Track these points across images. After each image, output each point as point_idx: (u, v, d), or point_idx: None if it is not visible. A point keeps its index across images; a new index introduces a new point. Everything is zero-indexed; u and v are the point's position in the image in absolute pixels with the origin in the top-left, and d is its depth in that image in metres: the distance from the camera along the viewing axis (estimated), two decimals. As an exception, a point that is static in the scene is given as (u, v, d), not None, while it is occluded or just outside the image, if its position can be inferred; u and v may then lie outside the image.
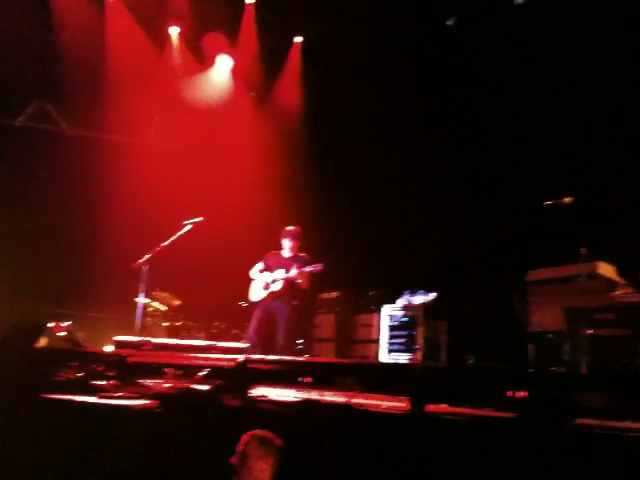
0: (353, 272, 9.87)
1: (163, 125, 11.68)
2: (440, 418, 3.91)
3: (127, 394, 4.89)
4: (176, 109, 11.49)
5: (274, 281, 7.94)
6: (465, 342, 8.14)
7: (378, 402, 4.38)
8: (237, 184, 10.95)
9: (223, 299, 9.91)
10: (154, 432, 4.45)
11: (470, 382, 4.25)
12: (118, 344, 6.57)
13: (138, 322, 7.69)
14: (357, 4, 9.91)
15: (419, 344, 8.33)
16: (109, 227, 10.24)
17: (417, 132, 9.69)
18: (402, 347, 8.54)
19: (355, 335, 9.33)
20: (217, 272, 10.27)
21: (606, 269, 6.39)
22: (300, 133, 11.27)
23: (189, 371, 5.25)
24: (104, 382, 5.27)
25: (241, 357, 5.10)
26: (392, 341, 8.68)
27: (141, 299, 7.77)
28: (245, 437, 3.74)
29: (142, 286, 7.71)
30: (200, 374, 5.06)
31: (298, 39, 11.36)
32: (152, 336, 7.97)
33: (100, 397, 4.84)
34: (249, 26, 10.96)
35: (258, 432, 3.77)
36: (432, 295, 8.61)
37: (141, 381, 5.25)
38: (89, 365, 5.54)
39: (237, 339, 8.78)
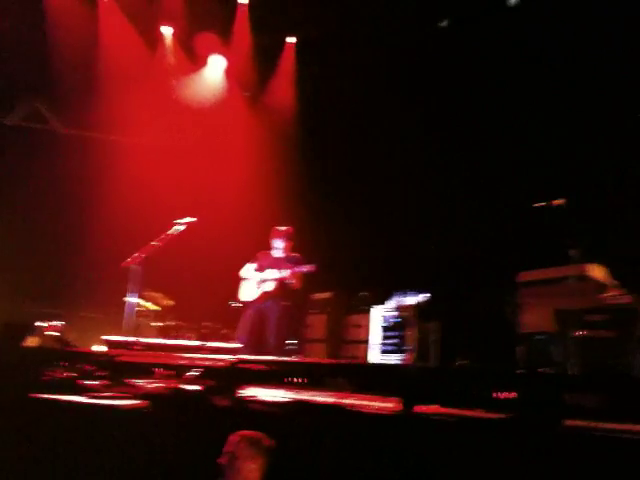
0: (345, 273, 9.87)
1: (156, 125, 11.64)
2: (430, 419, 3.91)
3: (117, 394, 4.87)
4: (169, 109, 11.46)
5: (266, 281, 7.92)
6: (456, 343, 8.15)
7: (369, 403, 4.38)
8: (229, 184, 10.93)
9: (214, 299, 9.89)
10: (143, 432, 4.44)
11: (460, 383, 4.25)
12: (108, 344, 6.54)
13: (128, 322, 7.67)
14: (351, 4, 9.91)
15: (410, 345, 8.33)
16: (100, 226, 10.20)
17: (410, 133, 9.70)
18: (394, 348, 8.54)
19: (347, 336, 9.32)
20: (208, 272, 10.25)
21: (596, 271, 6.40)
22: (293, 133, 11.27)
23: (179, 371, 5.24)
24: (94, 382, 5.24)
25: (231, 357, 5.09)
26: (384, 342, 8.68)
27: (130, 299, 7.74)
28: (234, 437, 3.73)
29: (132, 286, 7.69)
30: (190, 374, 5.05)
31: (291, 39, 11.35)
32: (142, 336, 7.94)
33: (89, 397, 4.82)
34: (242, 26, 10.94)
35: (247, 432, 3.76)
36: (423, 296, 8.61)
37: (131, 381, 5.23)
38: (79, 365, 5.51)
39: (227, 339, 8.76)
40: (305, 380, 4.68)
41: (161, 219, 8.43)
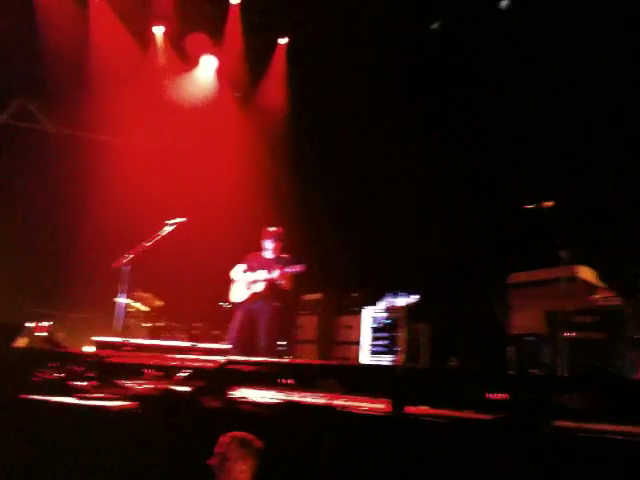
0: (336, 274, 9.88)
1: (147, 125, 11.60)
2: (420, 420, 3.92)
3: (106, 395, 4.86)
4: (160, 109, 11.43)
5: (256, 282, 7.91)
6: (447, 344, 8.17)
7: (359, 404, 4.38)
8: (220, 184, 10.92)
9: (204, 300, 9.88)
10: (133, 433, 4.42)
11: (451, 384, 4.26)
12: (98, 345, 6.52)
13: (118, 322, 7.65)
14: (343, 5, 9.92)
15: (401, 346, 8.34)
16: (91, 227, 10.16)
17: (402, 135, 9.72)
18: (384, 349, 8.55)
19: (337, 337, 9.33)
20: (198, 273, 10.24)
21: (586, 273, 6.43)
22: (284, 134, 11.27)
23: (169, 372, 5.23)
24: (83, 383, 5.22)
25: (222, 358, 5.08)
26: (374, 343, 8.69)
27: (121, 299, 7.72)
28: (225, 438, 3.72)
29: (122, 286, 7.66)
30: (180, 375, 5.04)
31: (283, 40, 11.36)
32: (133, 337, 7.93)
33: (78, 398, 4.80)
34: (234, 27, 10.93)
35: (238, 433, 3.75)
36: (414, 297, 8.62)
37: (121, 382, 5.22)
38: (68, 366, 5.49)
39: (218, 340, 8.75)
40: (295, 381, 4.67)
41: (152, 220, 8.40)
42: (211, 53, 11.54)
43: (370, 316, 8.82)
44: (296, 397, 4.53)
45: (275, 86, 11.51)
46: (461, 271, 8.49)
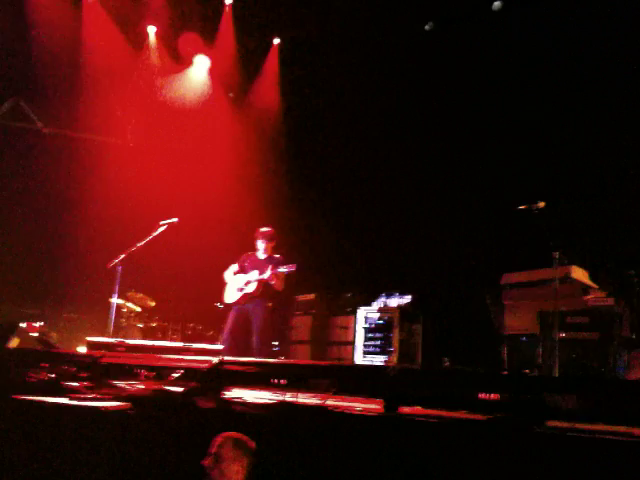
0: (330, 274, 9.89)
1: (139, 125, 11.58)
2: (413, 420, 3.92)
3: (99, 395, 4.84)
4: (153, 109, 11.42)
5: (248, 283, 7.90)
6: (440, 344, 8.20)
7: (352, 404, 4.39)
8: (213, 185, 10.91)
9: (198, 301, 9.87)
10: (126, 434, 4.41)
11: (443, 384, 4.27)
12: (91, 345, 6.49)
13: (112, 323, 7.63)
14: (337, 6, 9.92)
15: (394, 346, 8.36)
16: (83, 227, 10.15)
17: (394, 135, 9.74)
18: (378, 349, 8.57)
19: (331, 337, 9.34)
20: (193, 273, 10.22)
21: (579, 273, 6.46)
22: (277, 134, 11.26)
23: (163, 373, 5.21)
24: (76, 383, 5.21)
25: (215, 359, 5.07)
26: (368, 343, 8.70)
27: (115, 300, 7.71)
28: (219, 439, 3.72)
29: (115, 287, 7.65)
30: (174, 375, 5.03)
31: (276, 40, 11.35)
32: (126, 337, 7.91)
33: (71, 398, 4.79)
34: (227, 27, 10.93)
35: (232, 434, 3.75)
36: (408, 298, 8.64)
37: (114, 382, 5.20)
38: (61, 366, 5.47)
39: (213, 341, 8.74)
40: (289, 381, 4.67)
41: (145, 220, 8.39)
42: (204, 53, 11.53)
43: (364, 316, 8.83)
44: (289, 397, 4.52)
45: (268, 86, 11.51)
46: (454, 272, 8.52)
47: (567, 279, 6.31)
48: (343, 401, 4.43)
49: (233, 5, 10.81)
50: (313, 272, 9.33)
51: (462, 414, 3.93)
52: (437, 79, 9.27)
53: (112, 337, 7.18)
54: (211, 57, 11.58)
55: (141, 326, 9.45)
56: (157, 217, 8.12)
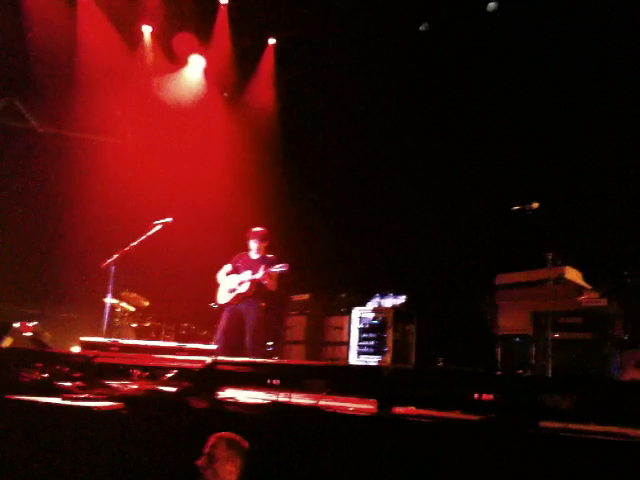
0: (325, 275, 9.89)
1: (134, 124, 11.56)
2: (407, 420, 3.92)
3: (93, 395, 4.83)
4: (148, 108, 11.40)
5: (241, 283, 7.89)
6: (434, 345, 8.20)
7: (346, 404, 4.39)
8: (208, 185, 10.89)
9: (192, 301, 9.85)
10: (120, 434, 4.40)
11: (437, 385, 4.27)
12: (85, 345, 6.47)
13: (106, 323, 7.61)
14: (332, 6, 9.92)
15: (389, 346, 8.36)
16: (77, 226, 10.13)
17: (389, 136, 9.75)
18: (372, 349, 8.58)
19: (326, 337, 9.35)
20: (187, 273, 10.21)
21: (573, 274, 6.48)
22: (272, 134, 11.26)
23: (157, 373, 5.20)
24: (69, 383, 5.19)
25: (209, 359, 5.07)
26: (362, 343, 8.71)
27: (109, 299, 7.69)
28: (212, 439, 3.71)
29: (109, 286, 7.64)
30: (167, 376, 5.02)
31: (272, 40, 11.35)
32: (120, 337, 7.89)
33: (64, 398, 4.77)
34: (222, 26, 10.91)
35: (225, 434, 3.75)
36: (402, 298, 8.65)
37: (107, 382, 5.19)
38: (54, 366, 5.46)
39: (206, 341, 8.73)
40: (282, 382, 4.67)
41: (140, 220, 8.37)
42: (199, 53, 11.51)
43: (358, 317, 8.84)
44: (283, 397, 4.52)
45: (263, 86, 11.51)
46: (448, 272, 8.52)
47: (561, 280, 6.33)
48: (337, 401, 4.44)
49: (228, 5, 10.79)
50: (308, 272, 9.33)
51: (456, 414, 3.94)
52: (432, 79, 9.27)
53: (106, 337, 7.17)
54: (206, 57, 11.57)
55: (135, 326, 9.43)
56: (152, 217, 8.10)
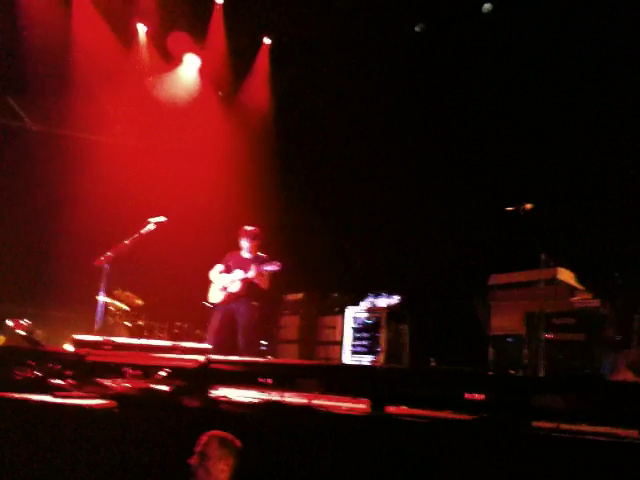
0: (318, 274, 9.89)
1: (129, 123, 11.54)
2: (400, 420, 3.93)
3: (85, 394, 4.82)
4: (142, 107, 11.37)
5: (233, 282, 7.89)
6: (427, 345, 8.22)
7: (339, 404, 4.39)
8: (202, 184, 10.88)
9: (186, 299, 9.84)
10: (112, 432, 4.40)
11: (430, 384, 4.28)
12: (78, 343, 6.46)
13: (99, 321, 7.60)
14: (329, 6, 9.92)
15: (382, 346, 8.37)
16: (71, 224, 10.09)
17: (384, 136, 9.75)
18: (365, 349, 8.58)
19: (319, 337, 9.34)
20: (180, 272, 10.19)
21: (565, 275, 6.50)
22: (266, 134, 11.25)
23: (150, 371, 5.20)
24: (62, 381, 5.19)
25: (202, 358, 5.07)
26: (355, 343, 8.70)
27: (102, 298, 7.68)
28: (204, 438, 3.72)
29: (103, 285, 7.63)
30: (160, 374, 5.02)
31: (267, 40, 11.35)
32: (113, 335, 7.86)
33: (57, 396, 4.77)
34: (218, 26, 10.90)
35: (217, 433, 3.75)
36: (395, 298, 8.66)
37: (100, 381, 5.19)
38: (47, 364, 5.45)
39: (200, 339, 8.72)
40: (275, 381, 4.68)
41: (133, 218, 8.36)
42: (194, 52, 11.50)
43: (352, 316, 8.84)
44: (276, 397, 4.53)
45: (258, 86, 11.49)
46: (442, 272, 8.54)
47: (554, 281, 6.35)
48: (329, 400, 4.44)
49: (223, 4, 10.79)
50: (301, 272, 9.32)
51: (448, 414, 3.95)
52: (427, 80, 9.28)
53: (99, 335, 7.15)
54: (201, 56, 11.54)
55: (128, 324, 9.40)
56: (146, 215, 8.10)
